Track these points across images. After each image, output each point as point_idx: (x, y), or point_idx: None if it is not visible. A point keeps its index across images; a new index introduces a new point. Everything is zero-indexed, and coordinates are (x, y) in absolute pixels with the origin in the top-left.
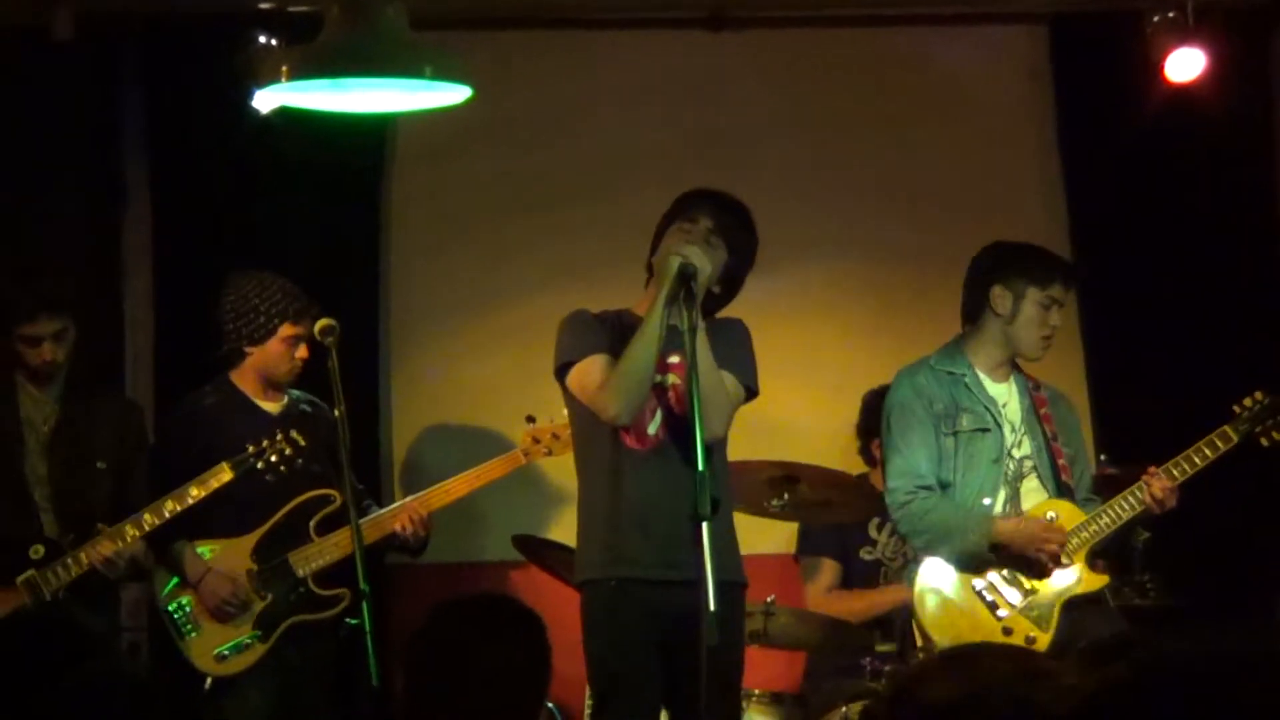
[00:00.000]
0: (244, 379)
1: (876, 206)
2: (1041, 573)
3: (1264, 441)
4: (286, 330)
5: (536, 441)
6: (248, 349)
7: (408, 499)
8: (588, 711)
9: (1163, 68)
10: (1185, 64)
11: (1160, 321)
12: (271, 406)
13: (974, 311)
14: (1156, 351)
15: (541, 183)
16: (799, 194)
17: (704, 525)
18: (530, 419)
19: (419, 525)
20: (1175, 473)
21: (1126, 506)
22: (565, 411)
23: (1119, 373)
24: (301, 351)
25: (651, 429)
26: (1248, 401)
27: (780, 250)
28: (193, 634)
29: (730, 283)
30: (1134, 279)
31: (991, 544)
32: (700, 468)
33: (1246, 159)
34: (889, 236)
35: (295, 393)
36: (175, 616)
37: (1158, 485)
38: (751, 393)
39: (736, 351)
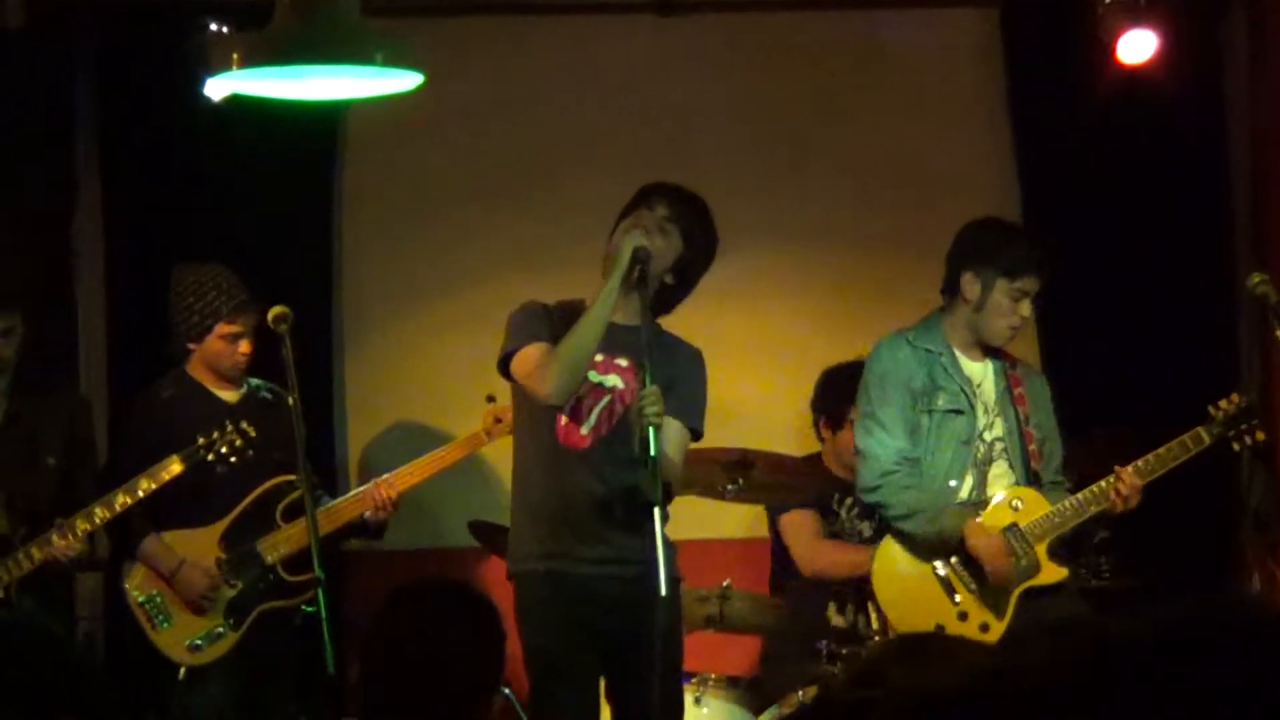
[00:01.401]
0: (197, 371)
1: (828, 191)
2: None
3: (1236, 446)
4: (222, 329)
5: (498, 421)
6: (190, 346)
7: (370, 483)
8: None
9: (1114, 49)
10: (1137, 46)
11: (1112, 302)
12: (229, 395)
13: (949, 291)
14: (1109, 332)
15: (494, 169)
16: (750, 179)
17: (654, 511)
18: (491, 398)
19: (386, 507)
20: (1143, 468)
21: (1090, 500)
22: None
23: (1071, 353)
24: (243, 347)
25: (585, 429)
26: (1224, 404)
27: (732, 236)
28: (165, 625)
29: (684, 275)
30: (1086, 260)
31: (960, 538)
32: (653, 453)
33: (1198, 140)
34: (841, 220)
35: (255, 381)
36: (146, 608)
37: (1125, 484)
38: (696, 435)
39: (686, 389)
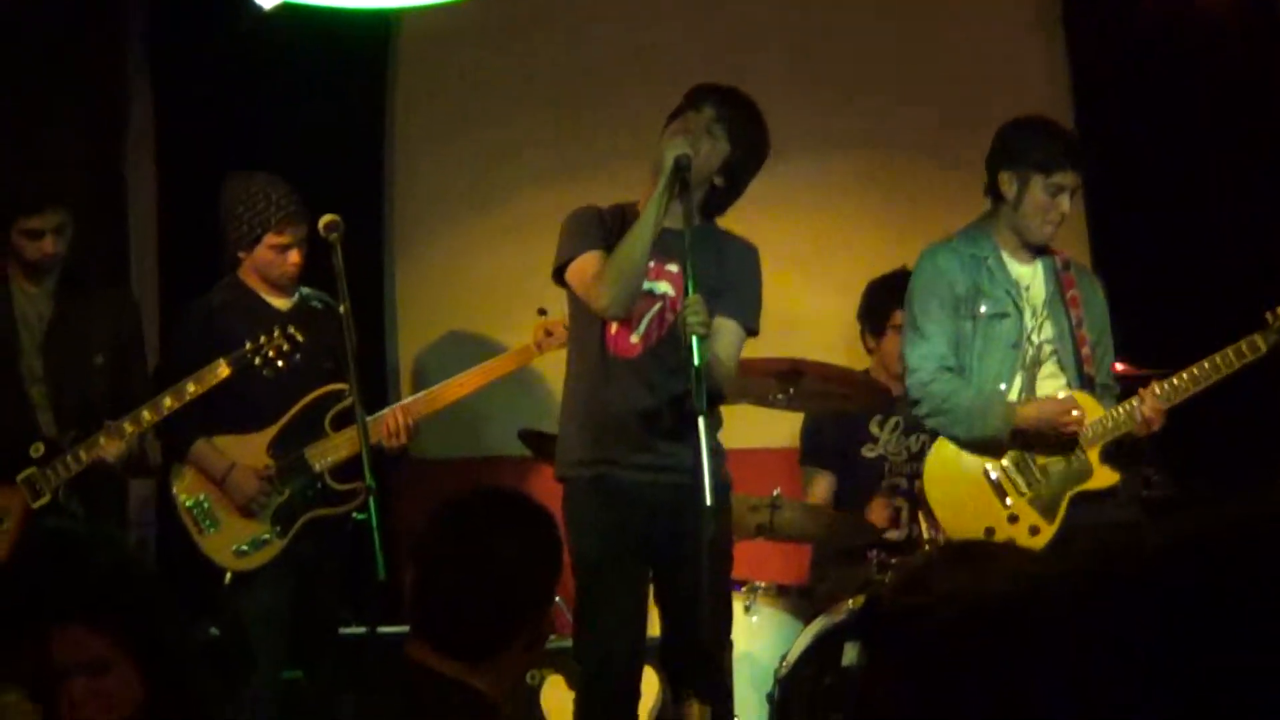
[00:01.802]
0: (249, 278)
1: (881, 98)
2: (1063, 449)
3: None
4: (271, 239)
5: (549, 334)
6: (240, 254)
7: (408, 399)
8: None
9: None
10: None
11: (1165, 209)
12: (281, 303)
13: (991, 194)
14: (1161, 240)
15: (546, 77)
16: (802, 87)
17: (700, 419)
18: (542, 311)
19: (399, 434)
20: (1196, 373)
21: (1128, 416)
22: None
23: (1124, 264)
24: (293, 257)
25: (635, 337)
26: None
27: (784, 144)
28: (211, 530)
29: (733, 177)
30: (1139, 169)
31: (1012, 430)
32: (697, 362)
33: (1252, 47)
34: (893, 129)
35: (306, 291)
36: (194, 513)
37: (1148, 405)
38: (752, 333)
39: (741, 287)
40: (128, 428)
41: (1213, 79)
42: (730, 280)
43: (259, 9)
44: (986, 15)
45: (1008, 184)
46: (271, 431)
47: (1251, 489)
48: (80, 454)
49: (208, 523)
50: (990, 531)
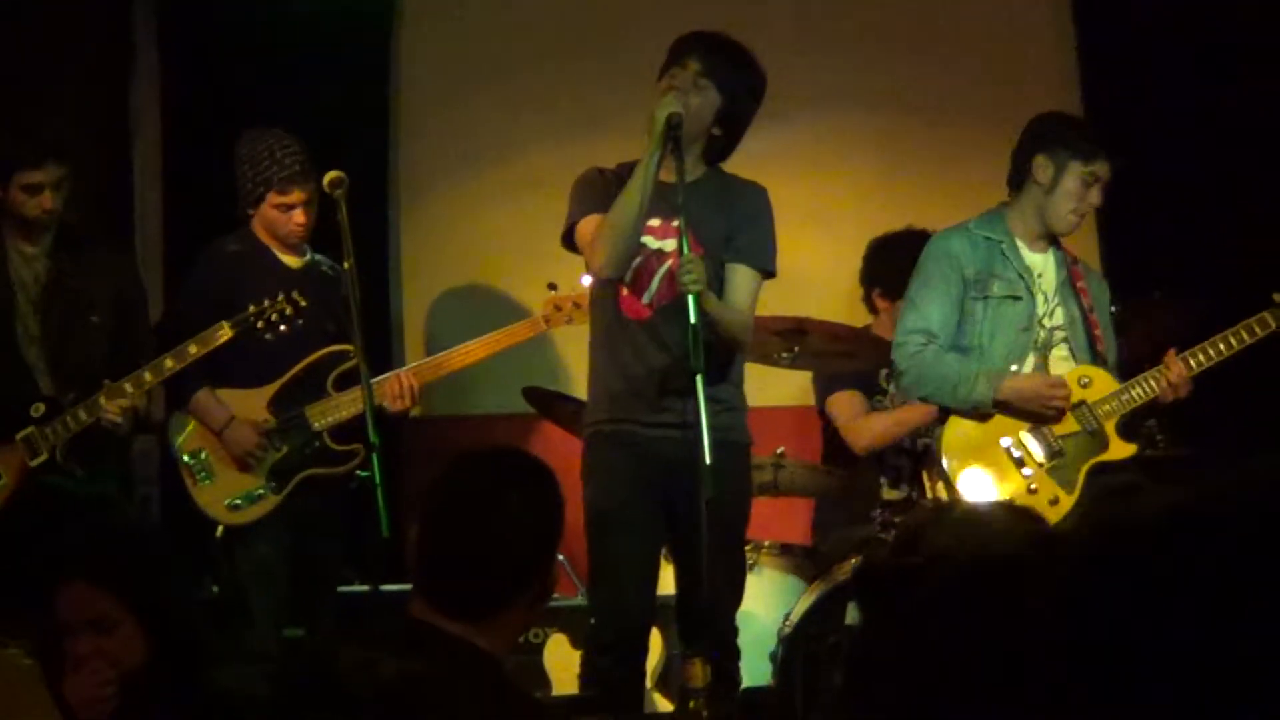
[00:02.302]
0: (261, 232)
1: (889, 58)
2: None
3: None
4: (274, 198)
5: (558, 309)
6: (249, 211)
7: (413, 364)
8: None
9: None
10: None
11: (1173, 196)
12: (292, 261)
13: (1017, 179)
14: (1170, 227)
15: (553, 33)
16: (810, 44)
17: (698, 378)
18: (552, 286)
19: (403, 396)
20: (1211, 352)
21: (1152, 385)
22: (582, 279)
23: (1132, 249)
24: (298, 216)
25: (646, 298)
26: None
27: (791, 102)
28: (206, 481)
29: (731, 123)
30: (1146, 151)
31: (996, 400)
32: (694, 320)
33: (1261, 31)
34: (900, 88)
35: (317, 256)
36: (190, 464)
37: (1174, 373)
38: (768, 274)
39: (753, 229)
40: (129, 388)
41: (1224, 56)
42: (740, 224)
43: None
44: None
45: (1043, 168)
46: (273, 388)
47: (1247, 458)
48: (80, 414)
49: (203, 474)
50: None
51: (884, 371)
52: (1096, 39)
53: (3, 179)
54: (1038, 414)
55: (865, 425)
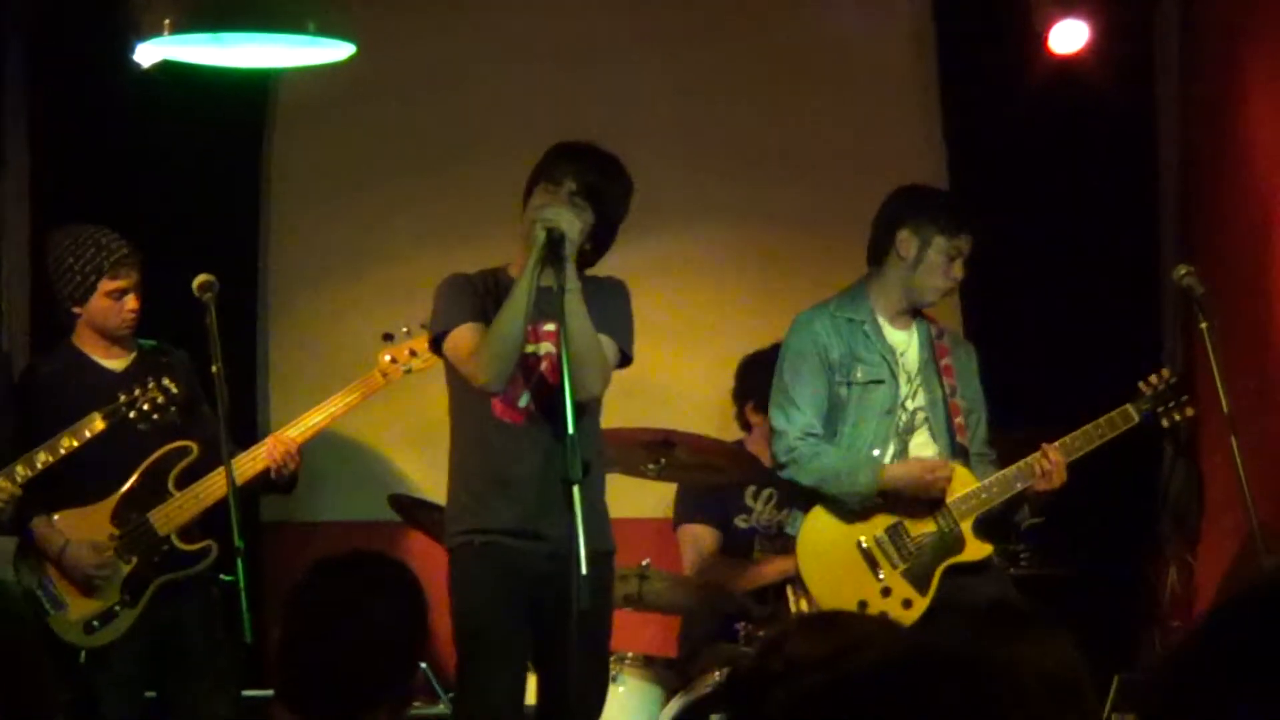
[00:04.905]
0: (83, 340)
1: (758, 171)
2: (931, 509)
3: (1164, 423)
4: (106, 285)
5: (394, 361)
6: (75, 310)
7: (264, 441)
8: None
9: (1046, 38)
10: (1069, 36)
11: (1037, 292)
12: (116, 364)
13: (878, 254)
14: (1032, 321)
15: (422, 141)
16: (679, 157)
17: (574, 489)
18: (388, 336)
19: (288, 457)
20: (1069, 444)
21: (1016, 477)
22: (420, 325)
23: (995, 338)
24: (130, 303)
25: (522, 402)
26: (1153, 379)
27: (661, 215)
28: (57, 611)
29: (602, 238)
30: (1012, 248)
31: (880, 489)
32: (570, 430)
33: (1127, 131)
34: (770, 201)
35: (145, 343)
36: (39, 596)
37: (1050, 460)
38: (627, 359)
39: (615, 316)
40: (2, 484)
41: (1089, 155)
42: (601, 312)
43: (138, 66)
44: (864, 91)
45: (907, 241)
46: (114, 500)
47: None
48: None
49: (50, 605)
50: (864, 604)
51: (751, 488)
52: (965, 158)
53: None
54: (922, 498)
55: (717, 571)
